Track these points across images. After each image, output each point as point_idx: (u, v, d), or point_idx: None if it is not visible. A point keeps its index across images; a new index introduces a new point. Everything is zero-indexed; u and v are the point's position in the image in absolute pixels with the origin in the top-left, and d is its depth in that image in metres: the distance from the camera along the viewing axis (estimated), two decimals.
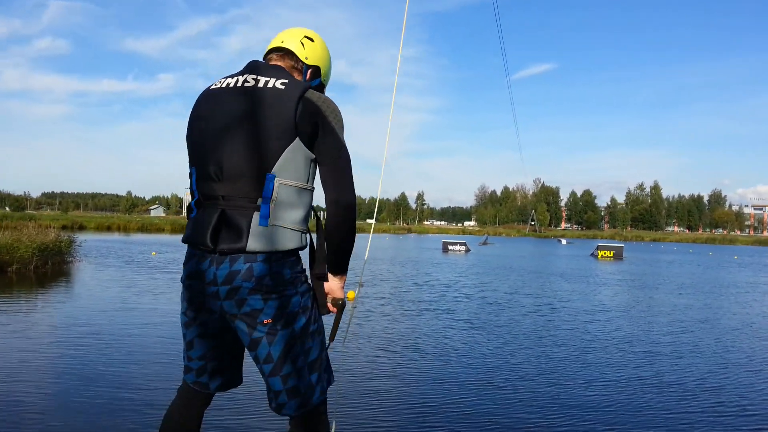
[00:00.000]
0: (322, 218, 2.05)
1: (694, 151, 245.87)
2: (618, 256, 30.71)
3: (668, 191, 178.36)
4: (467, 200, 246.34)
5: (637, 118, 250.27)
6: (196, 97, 2.03)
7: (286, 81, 1.88)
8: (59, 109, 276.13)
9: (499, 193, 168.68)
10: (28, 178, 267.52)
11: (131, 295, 9.68)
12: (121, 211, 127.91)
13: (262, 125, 1.81)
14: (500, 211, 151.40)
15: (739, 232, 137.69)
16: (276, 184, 1.81)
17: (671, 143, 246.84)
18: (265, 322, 1.81)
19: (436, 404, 4.24)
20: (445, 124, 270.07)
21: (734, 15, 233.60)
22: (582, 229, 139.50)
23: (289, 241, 1.84)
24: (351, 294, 10.64)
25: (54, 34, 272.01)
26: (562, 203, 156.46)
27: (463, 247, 33.02)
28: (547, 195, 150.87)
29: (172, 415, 2.12)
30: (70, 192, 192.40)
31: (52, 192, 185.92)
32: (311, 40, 2.10)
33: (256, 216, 1.80)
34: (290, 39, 2.07)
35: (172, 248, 24.71)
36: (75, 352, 5.55)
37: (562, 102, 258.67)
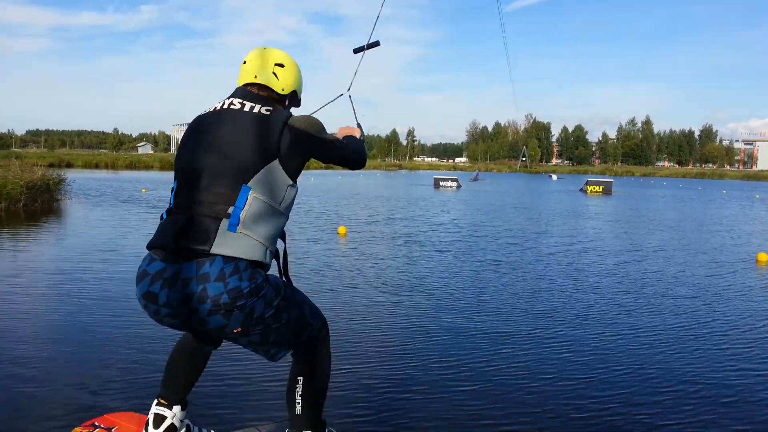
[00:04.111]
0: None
1: (687, 83, 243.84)
2: (607, 191, 30.87)
3: (660, 126, 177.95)
4: (459, 136, 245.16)
5: (631, 50, 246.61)
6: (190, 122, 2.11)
7: (271, 108, 2.01)
8: (39, 44, 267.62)
9: (490, 129, 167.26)
10: (12, 116, 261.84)
11: (121, 235, 9.67)
12: (108, 149, 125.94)
13: (245, 143, 1.92)
14: (492, 147, 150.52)
15: (728, 167, 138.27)
16: (250, 197, 1.87)
17: (665, 76, 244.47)
18: (236, 331, 1.86)
19: (467, 359, 3.92)
20: (438, 57, 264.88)
21: None
22: (573, 164, 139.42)
23: (254, 251, 1.86)
24: (342, 230, 10.73)
25: None
26: (554, 139, 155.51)
27: (454, 183, 33.04)
28: (538, 131, 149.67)
29: (182, 345, 2.24)
30: (55, 129, 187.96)
31: (37, 130, 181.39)
32: (281, 66, 2.15)
33: (224, 222, 1.84)
34: (262, 72, 2.12)
35: (162, 185, 24.52)
36: (69, 290, 5.58)
37: (556, 34, 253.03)
